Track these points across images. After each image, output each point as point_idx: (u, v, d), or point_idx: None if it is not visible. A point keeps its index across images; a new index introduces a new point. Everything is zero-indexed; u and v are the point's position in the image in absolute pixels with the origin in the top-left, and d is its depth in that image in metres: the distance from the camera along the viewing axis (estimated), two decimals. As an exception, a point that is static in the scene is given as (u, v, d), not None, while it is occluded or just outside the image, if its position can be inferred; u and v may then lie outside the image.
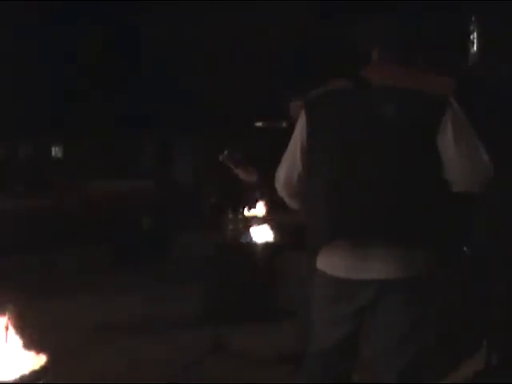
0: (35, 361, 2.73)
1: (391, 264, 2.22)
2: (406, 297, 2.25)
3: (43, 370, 2.68)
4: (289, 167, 2.47)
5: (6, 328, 2.74)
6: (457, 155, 2.20)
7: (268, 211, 5.24)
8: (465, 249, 3.16)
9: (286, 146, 2.51)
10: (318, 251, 2.38)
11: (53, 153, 13.75)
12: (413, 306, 2.26)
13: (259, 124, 6.24)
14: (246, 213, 5.74)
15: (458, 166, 2.21)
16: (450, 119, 2.20)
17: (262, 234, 5.45)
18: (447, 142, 2.19)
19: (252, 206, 5.63)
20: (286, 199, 2.57)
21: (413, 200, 2.21)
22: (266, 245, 5.39)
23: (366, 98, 2.27)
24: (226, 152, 4.25)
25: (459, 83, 2.27)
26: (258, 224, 5.47)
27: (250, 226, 5.53)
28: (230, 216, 5.77)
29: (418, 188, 2.22)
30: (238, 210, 5.75)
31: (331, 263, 2.33)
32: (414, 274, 2.24)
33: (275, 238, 5.25)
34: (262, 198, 5.44)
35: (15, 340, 2.77)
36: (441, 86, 2.25)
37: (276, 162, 2.57)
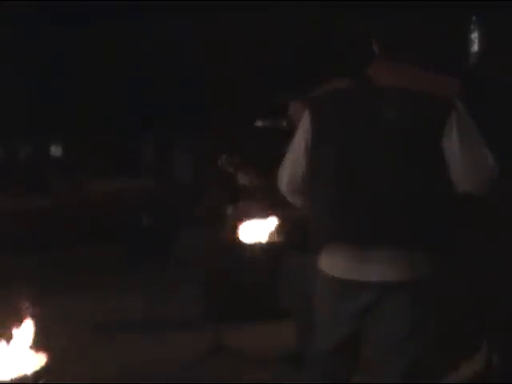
0: (35, 361, 2.73)
1: (393, 266, 2.22)
2: (407, 298, 2.24)
3: (43, 370, 2.69)
4: (292, 166, 2.46)
5: (8, 328, 2.74)
6: (462, 156, 2.18)
7: (268, 211, 5.24)
8: None
9: (287, 146, 2.51)
10: (319, 251, 2.38)
11: (53, 153, 13.74)
12: (414, 308, 2.26)
13: (259, 124, 6.24)
14: (246, 213, 5.73)
15: (462, 167, 2.19)
16: (455, 120, 2.18)
17: (262, 234, 5.45)
18: (452, 144, 2.18)
19: (252, 206, 5.62)
20: (289, 197, 2.57)
21: (415, 202, 2.20)
22: (267, 244, 5.39)
23: (370, 99, 2.26)
24: (224, 157, 4.22)
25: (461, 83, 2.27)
26: (259, 224, 5.47)
27: (250, 226, 5.53)
28: (230, 216, 5.77)
29: (420, 190, 2.21)
30: (238, 209, 5.74)
31: (333, 264, 2.33)
32: (415, 276, 2.23)
33: (276, 237, 5.25)
34: (262, 200, 5.44)
35: (16, 340, 2.77)
36: (446, 87, 2.24)
37: (276, 162, 2.56)
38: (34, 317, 2.90)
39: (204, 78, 12.19)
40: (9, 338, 2.77)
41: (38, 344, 2.84)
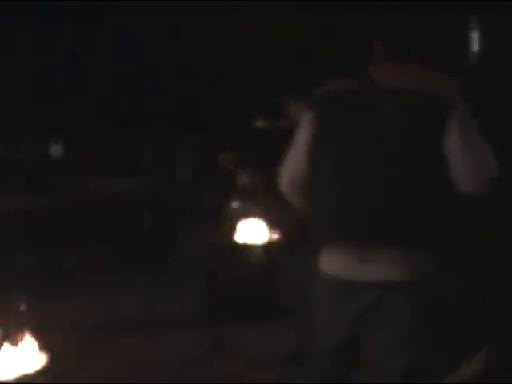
0: (35, 361, 2.73)
1: (393, 266, 2.22)
2: (407, 298, 2.24)
3: (43, 370, 2.69)
4: (292, 166, 2.46)
5: (8, 328, 2.74)
6: (463, 155, 2.19)
7: (268, 211, 5.24)
8: None
9: (287, 146, 2.51)
10: (319, 251, 2.38)
11: (52, 152, 13.73)
12: (414, 308, 2.26)
13: (259, 124, 6.23)
14: (246, 212, 5.72)
15: (463, 166, 2.20)
16: (456, 119, 2.18)
17: (262, 233, 5.45)
18: (454, 143, 2.18)
19: (252, 205, 5.62)
20: (290, 197, 2.57)
21: (416, 202, 2.21)
22: (266, 244, 5.39)
23: (371, 99, 2.26)
24: (225, 155, 4.24)
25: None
26: (259, 223, 5.47)
27: (250, 226, 5.52)
28: (230, 215, 5.76)
29: (421, 190, 2.21)
30: (238, 209, 5.74)
31: (334, 264, 2.33)
32: (415, 276, 2.23)
33: (276, 237, 5.25)
34: (262, 200, 5.44)
35: (15, 340, 2.77)
36: (447, 86, 2.24)
37: (276, 162, 2.56)
38: (33, 317, 2.90)
39: (204, 77, 12.20)
40: (8, 338, 2.77)
41: (38, 344, 2.84)
